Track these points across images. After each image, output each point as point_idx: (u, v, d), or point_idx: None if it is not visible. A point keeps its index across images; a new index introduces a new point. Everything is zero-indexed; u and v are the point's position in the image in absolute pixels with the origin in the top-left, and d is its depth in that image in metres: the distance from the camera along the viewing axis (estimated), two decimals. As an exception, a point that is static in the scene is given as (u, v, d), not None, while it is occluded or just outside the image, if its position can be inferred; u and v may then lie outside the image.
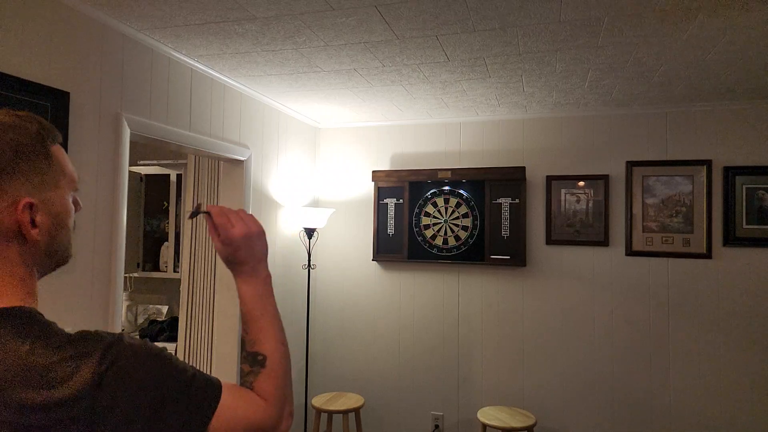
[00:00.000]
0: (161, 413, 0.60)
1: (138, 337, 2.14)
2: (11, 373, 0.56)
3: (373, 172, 3.46)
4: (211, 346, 2.99)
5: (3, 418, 0.55)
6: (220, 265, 2.80)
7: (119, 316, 1.90)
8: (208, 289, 3.08)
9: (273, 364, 0.75)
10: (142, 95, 2.05)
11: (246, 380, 0.74)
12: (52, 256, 0.68)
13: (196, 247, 3.14)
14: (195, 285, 3.12)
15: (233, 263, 0.80)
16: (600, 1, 1.69)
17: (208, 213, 0.82)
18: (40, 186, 0.65)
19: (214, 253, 3.06)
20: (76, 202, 0.72)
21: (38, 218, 0.64)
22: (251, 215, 0.83)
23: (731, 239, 2.86)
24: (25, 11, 1.60)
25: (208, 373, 0.69)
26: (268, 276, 0.83)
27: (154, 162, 3.52)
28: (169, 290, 3.65)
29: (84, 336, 0.60)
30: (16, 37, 1.57)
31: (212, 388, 0.66)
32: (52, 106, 1.67)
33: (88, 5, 1.78)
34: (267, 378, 0.73)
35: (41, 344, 0.58)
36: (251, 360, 0.75)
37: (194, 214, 0.85)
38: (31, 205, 0.63)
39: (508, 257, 3.18)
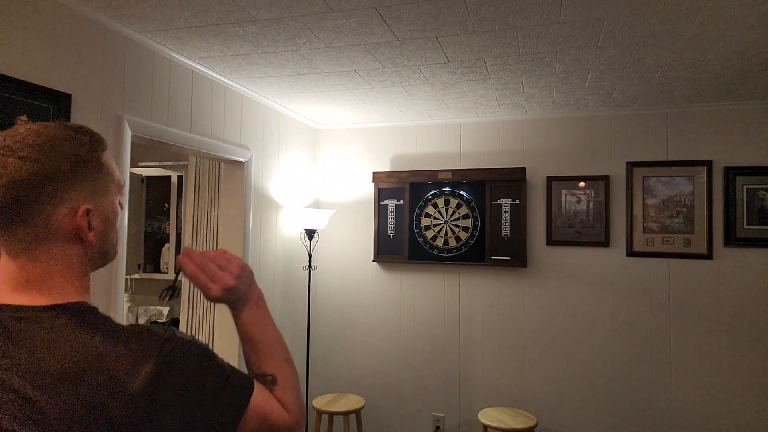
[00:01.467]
0: (205, 407, 0.66)
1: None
2: (85, 362, 0.61)
3: (374, 173, 3.46)
4: (212, 348, 2.99)
5: (75, 402, 0.59)
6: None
7: (120, 318, 1.90)
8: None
9: (284, 382, 0.79)
10: (143, 97, 2.06)
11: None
12: (104, 255, 0.75)
13: (197, 249, 3.14)
14: (195, 286, 3.11)
15: (225, 304, 0.82)
16: (600, 2, 1.69)
17: (178, 280, 0.83)
18: (94, 193, 0.70)
19: (215, 254, 3.07)
20: (120, 204, 0.78)
21: (93, 222, 0.70)
22: (228, 257, 0.82)
23: (732, 239, 2.86)
24: (27, 14, 1.60)
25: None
26: (260, 297, 0.85)
27: (155, 163, 3.53)
28: (170, 291, 3.65)
29: (142, 331, 0.66)
30: (17, 40, 1.57)
31: (246, 387, 0.72)
32: (53, 108, 1.67)
33: (89, 7, 1.78)
34: (283, 391, 0.78)
35: (109, 337, 0.64)
36: (262, 381, 0.78)
37: (170, 294, 0.84)
38: (87, 211, 0.69)
39: (509, 258, 3.18)
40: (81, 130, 0.71)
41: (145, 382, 0.62)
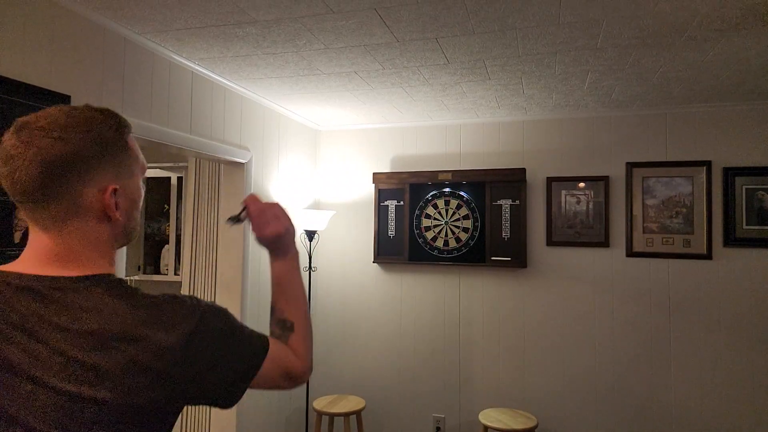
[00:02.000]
0: (229, 361, 0.74)
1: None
2: (125, 324, 0.66)
3: (374, 174, 3.47)
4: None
5: (122, 360, 0.64)
6: (221, 267, 2.81)
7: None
8: (209, 292, 3.08)
9: (300, 329, 0.90)
10: (143, 98, 2.06)
11: (280, 341, 0.90)
12: (128, 234, 0.79)
13: (197, 250, 3.14)
14: (196, 287, 3.12)
15: (266, 247, 0.96)
16: (599, 4, 1.69)
17: (245, 209, 0.96)
18: (121, 173, 0.74)
19: (214, 255, 3.07)
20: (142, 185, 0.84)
21: (120, 201, 0.74)
22: (283, 211, 0.97)
23: (731, 240, 2.86)
24: (26, 15, 1.60)
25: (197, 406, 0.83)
26: (296, 255, 0.98)
27: (155, 165, 3.53)
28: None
29: (173, 297, 0.72)
30: (17, 41, 1.58)
31: (263, 341, 0.81)
32: (53, 110, 1.67)
33: (89, 9, 1.78)
34: (297, 339, 0.89)
35: (143, 302, 0.69)
36: (281, 326, 0.91)
37: (235, 221, 0.97)
38: (115, 190, 0.72)
39: (509, 259, 3.18)
40: (108, 112, 0.75)
41: (183, 339, 0.68)
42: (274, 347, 0.82)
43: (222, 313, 0.76)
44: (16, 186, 0.68)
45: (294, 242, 0.98)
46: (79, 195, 0.70)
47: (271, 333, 0.91)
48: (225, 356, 0.73)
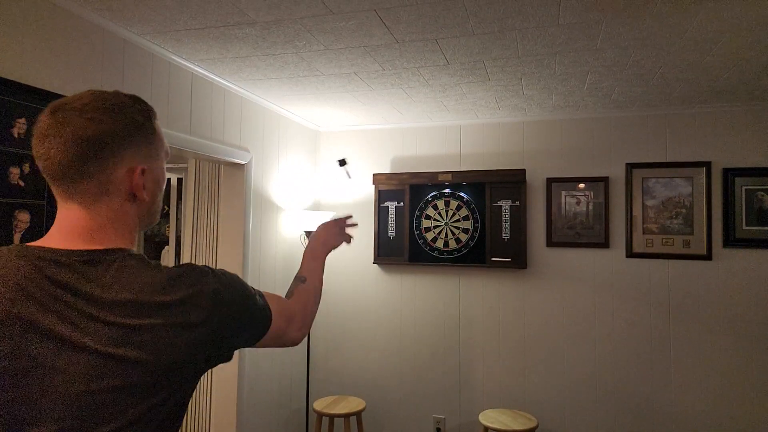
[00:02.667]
0: (242, 329, 0.81)
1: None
2: (155, 290, 0.70)
3: (374, 175, 3.47)
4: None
5: (158, 323, 0.68)
6: (221, 268, 2.80)
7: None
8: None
9: (309, 285, 1.08)
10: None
11: (291, 289, 1.05)
12: (152, 215, 0.83)
13: (197, 251, 3.14)
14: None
15: (325, 254, 1.25)
16: (598, 4, 1.69)
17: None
18: (149, 156, 0.78)
19: (214, 256, 3.07)
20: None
21: (147, 182, 0.78)
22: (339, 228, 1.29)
23: (731, 240, 2.86)
24: (26, 16, 1.61)
25: (209, 370, 0.88)
26: (325, 245, 1.25)
27: (155, 166, 3.52)
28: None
29: (191, 266, 0.77)
30: (16, 42, 1.58)
31: (268, 314, 0.88)
32: (53, 111, 1.67)
33: (88, 10, 1.79)
34: (304, 290, 1.05)
35: (167, 271, 0.74)
36: (297, 279, 1.08)
37: (342, 164, 1.13)
38: (143, 171, 0.76)
39: (509, 259, 3.18)
40: (137, 98, 0.79)
41: (210, 299, 0.74)
42: (277, 320, 0.89)
43: (237, 282, 0.82)
44: (52, 164, 0.71)
45: (325, 244, 1.27)
46: (110, 173, 0.73)
47: (289, 287, 1.06)
48: (241, 325, 0.80)
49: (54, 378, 0.64)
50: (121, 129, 0.73)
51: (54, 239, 0.73)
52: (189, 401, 0.77)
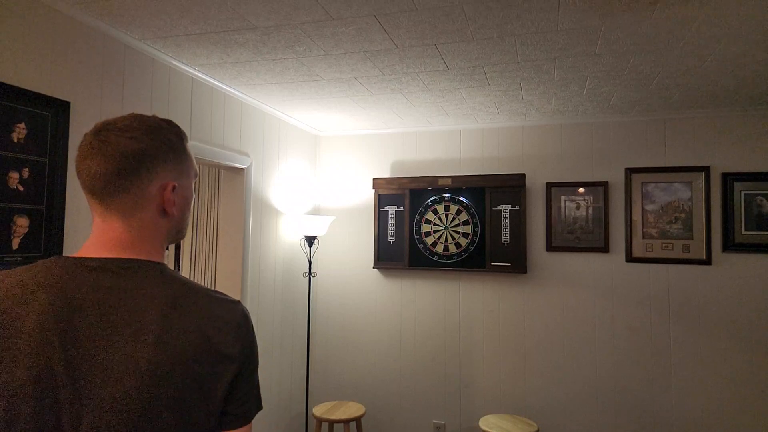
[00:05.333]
0: (245, 400, 0.79)
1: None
2: (187, 299, 0.74)
3: (374, 179, 3.47)
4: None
5: (189, 325, 0.72)
6: (220, 272, 2.80)
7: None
8: (209, 298, 3.08)
9: None
10: (142, 104, 2.06)
11: None
12: (179, 231, 0.87)
13: (197, 256, 3.14)
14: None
15: None
16: (597, 10, 1.70)
17: None
18: (180, 174, 0.83)
19: (214, 260, 3.06)
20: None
21: (177, 199, 0.82)
22: None
23: (730, 245, 2.86)
24: (26, 21, 1.61)
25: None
26: None
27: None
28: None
29: (218, 292, 0.80)
30: (17, 47, 1.58)
31: (259, 404, 0.85)
32: (52, 116, 1.68)
33: (89, 15, 1.79)
34: None
35: (198, 287, 0.78)
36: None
37: None
38: (174, 187, 0.81)
39: (509, 264, 3.18)
40: (172, 122, 0.85)
41: (240, 318, 0.78)
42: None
43: (256, 352, 0.83)
44: (93, 178, 0.76)
45: None
46: (146, 188, 0.78)
47: None
48: (245, 395, 0.79)
49: (89, 377, 0.70)
50: (157, 147, 0.79)
51: (90, 250, 0.77)
52: None
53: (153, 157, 0.79)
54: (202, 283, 3.10)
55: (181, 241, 3.34)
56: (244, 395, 0.77)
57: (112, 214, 0.78)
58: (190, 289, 0.77)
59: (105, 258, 0.75)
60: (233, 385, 0.75)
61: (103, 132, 0.77)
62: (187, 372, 0.70)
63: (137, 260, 0.77)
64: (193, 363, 0.71)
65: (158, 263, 0.79)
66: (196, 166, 0.90)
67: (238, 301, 0.81)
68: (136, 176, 0.77)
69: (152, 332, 0.70)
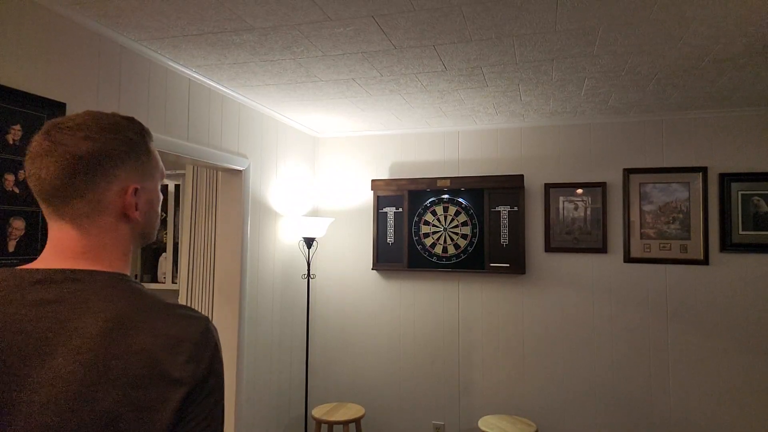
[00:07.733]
0: (219, 407, 0.72)
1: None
2: (140, 315, 0.67)
3: (373, 181, 3.47)
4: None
5: (131, 347, 0.64)
6: (219, 275, 2.79)
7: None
8: (207, 301, 3.07)
9: None
10: (139, 106, 2.06)
11: None
12: (145, 235, 0.81)
13: (195, 258, 3.13)
14: (193, 296, 3.10)
15: None
16: (594, 11, 1.70)
17: None
18: (142, 176, 0.77)
19: (212, 263, 3.05)
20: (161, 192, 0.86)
21: (140, 202, 0.76)
22: None
23: (728, 245, 2.86)
24: (22, 22, 1.60)
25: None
26: None
27: (152, 172, 3.51)
28: (167, 301, 3.62)
29: (183, 306, 0.73)
30: (12, 48, 1.57)
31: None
32: (47, 117, 1.67)
33: (85, 16, 1.78)
34: None
35: (159, 301, 0.71)
36: None
37: None
38: (135, 190, 0.75)
39: (508, 265, 3.18)
40: (133, 119, 0.78)
41: (196, 335, 0.69)
42: None
43: (218, 373, 0.74)
44: (44, 183, 0.70)
45: None
46: (102, 193, 0.72)
47: None
48: (198, 424, 0.69)
49: (34, 384, 0.64)
50: (115, 147, 0.73)
51: (46, 261, 0.72)
52: None
53: (111, 158, 0.72)
54: (200, 287, 3.09)
55: (179, 244, 3.33)
56: (196, 425, 0.66)
57: (66, 222, 0.72)
58: (143, 304, 0.69)
59: (52, 269, 0.69)
60: (182, 412, 0.65)
61: (53, 131, 0.70)
62: (125, 398, 0.62)
63: (88, 271, 0.70)
64: (132, 389, 0.62)
65: (115, 274, 0.72)
66: (162, 166, 0.84)
67: (203, 317, 0.73)
68: (91, 180, 0.71)
69: (90, 351, 0.62)
